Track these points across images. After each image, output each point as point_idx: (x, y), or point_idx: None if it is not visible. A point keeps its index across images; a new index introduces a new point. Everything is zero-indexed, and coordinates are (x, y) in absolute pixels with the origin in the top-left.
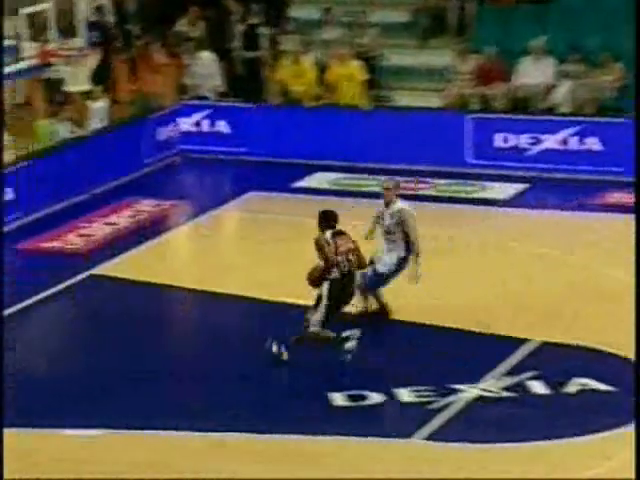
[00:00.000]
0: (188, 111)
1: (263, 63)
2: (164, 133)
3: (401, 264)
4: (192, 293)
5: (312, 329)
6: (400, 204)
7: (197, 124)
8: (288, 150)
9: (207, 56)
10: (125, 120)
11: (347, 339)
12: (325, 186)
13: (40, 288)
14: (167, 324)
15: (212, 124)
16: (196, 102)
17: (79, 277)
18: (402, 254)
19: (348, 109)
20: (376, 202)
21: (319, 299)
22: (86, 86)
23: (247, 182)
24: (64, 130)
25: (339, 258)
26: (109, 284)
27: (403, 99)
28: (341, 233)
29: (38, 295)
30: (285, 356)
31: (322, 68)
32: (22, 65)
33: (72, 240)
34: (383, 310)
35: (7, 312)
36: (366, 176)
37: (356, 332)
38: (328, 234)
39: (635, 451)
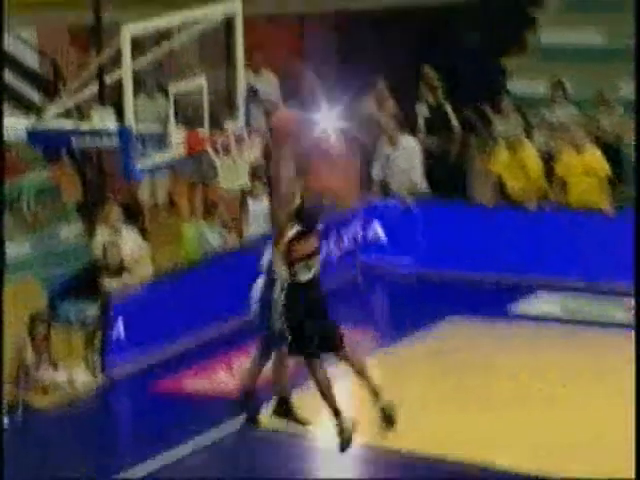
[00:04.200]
0: (375, 214)
1: (460, 152)
2: (340, 242)
3: None
4: (370, 450)
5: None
6: None
7: (383, 231)
8: (502, 263)
9: (409, 143)
10: None
11: None
12: (551, 311)
13: (183, 439)
14: None
15: (402, 231)
16: (386, 203)
17: (231, 426)
18: None
19: (584, 212)
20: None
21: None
22: (244, 182)
23: (447, 304)
24: (214, 237)
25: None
26: (268, 435)
27: None
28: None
29: (180, 448)
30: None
31: (549, 158)
32: (167, 156)
33: (223, 379)
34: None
35: (145, 469)
36: (607, 299)
37: None
38: None
39: (635, 451)
